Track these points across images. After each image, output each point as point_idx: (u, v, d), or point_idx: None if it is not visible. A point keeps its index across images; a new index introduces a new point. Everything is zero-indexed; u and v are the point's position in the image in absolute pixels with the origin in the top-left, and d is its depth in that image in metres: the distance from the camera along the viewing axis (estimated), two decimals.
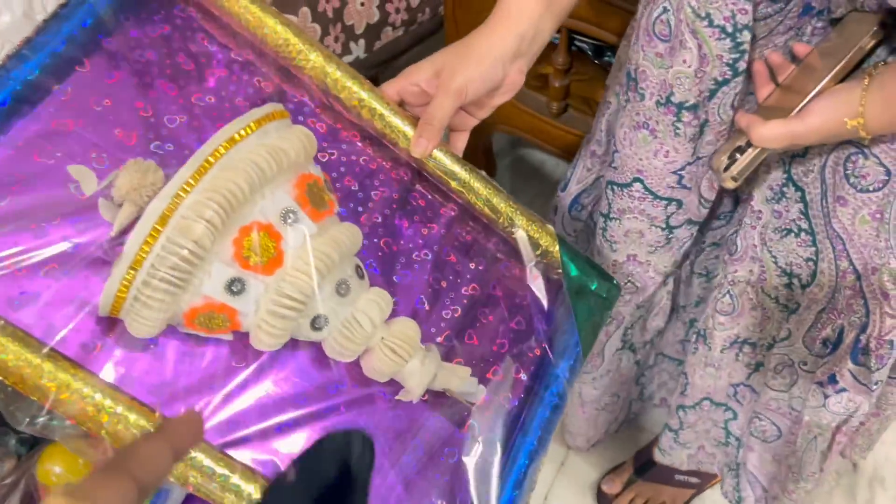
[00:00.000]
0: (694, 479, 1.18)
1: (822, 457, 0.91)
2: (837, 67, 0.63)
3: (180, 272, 0.48)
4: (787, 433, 0.93)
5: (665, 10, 0.69)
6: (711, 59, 0.68)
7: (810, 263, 0.77)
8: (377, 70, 1.38)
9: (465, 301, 0.65)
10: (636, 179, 0.82)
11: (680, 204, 0.83)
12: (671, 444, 1.04)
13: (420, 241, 0.66)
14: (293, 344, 0.56)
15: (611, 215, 0.87)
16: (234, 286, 0.50)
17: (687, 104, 0.73)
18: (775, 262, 0.79)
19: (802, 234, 0.76)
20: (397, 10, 1.31)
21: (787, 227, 0.77)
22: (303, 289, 0.51)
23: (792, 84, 0.68)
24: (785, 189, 0.77)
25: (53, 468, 0.89)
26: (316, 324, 0.54)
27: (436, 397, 0.62)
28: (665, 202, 0.82)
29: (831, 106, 0.63)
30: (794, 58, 0.71)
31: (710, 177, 0.79)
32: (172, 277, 0.48)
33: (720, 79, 0.70)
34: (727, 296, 0.84)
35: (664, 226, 0.85)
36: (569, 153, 1.36)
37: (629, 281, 0.93)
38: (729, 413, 0.99)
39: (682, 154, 0.77)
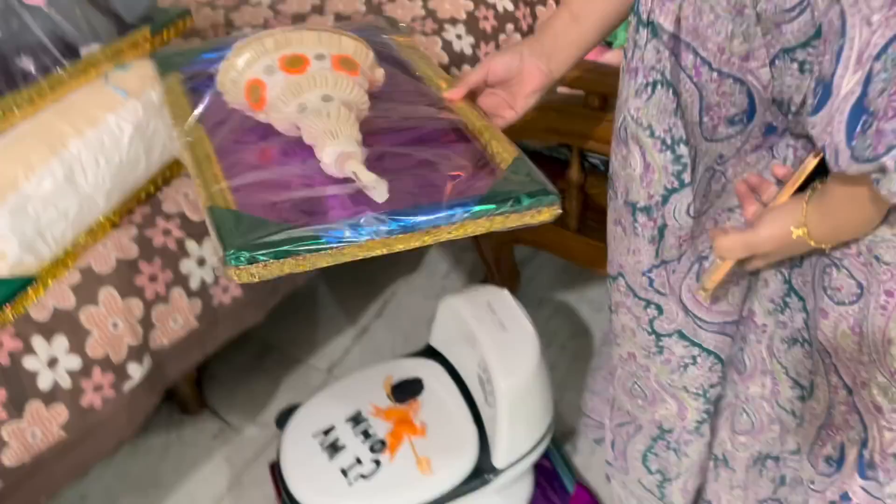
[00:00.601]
0: None
1: None
2: (787, 184, 0.69)
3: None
4: None
5: (625, 118, 0.76)
6: (657, 169, 0.74)
7: (811, 375, 0.77)
8: None
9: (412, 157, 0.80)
10: (620, 274, 0.88)
11: (660, 309, 0.85)
12: None
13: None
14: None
15: (611, 307, 0.93)
16: (268, 71, 0.82)
17: (639, 205, 0.78)
18: (786, 373, 0.80)
19: (806, 344, 0.77)
20: None
21: (794, 336, 0.78)
22: (301, 86, 0.80)
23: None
24: (788, 299, 0.78)
25: None
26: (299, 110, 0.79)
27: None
28: (644, 303, 0.86)
29: (779, 217, 0.68)
30: (778, 180, 0.73)
31: (689, 285, 0.82)
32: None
33: (669, 187, 0.75)
34: (744, 414, 0.84)
35: (649, 329, 0.87)
36: (590, 263, 1.38)
37: (635, 383, 0.95)
38: None
39: (645, 255, 0.82)
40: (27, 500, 0.99)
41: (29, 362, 0.95)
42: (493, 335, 1.10)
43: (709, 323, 0.84)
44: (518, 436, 1.11)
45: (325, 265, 0.71)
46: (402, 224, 0.72)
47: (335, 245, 0.69)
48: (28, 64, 0.98)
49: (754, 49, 0.66)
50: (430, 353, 1.27)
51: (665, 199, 0.76)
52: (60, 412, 0.98)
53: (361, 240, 0.70)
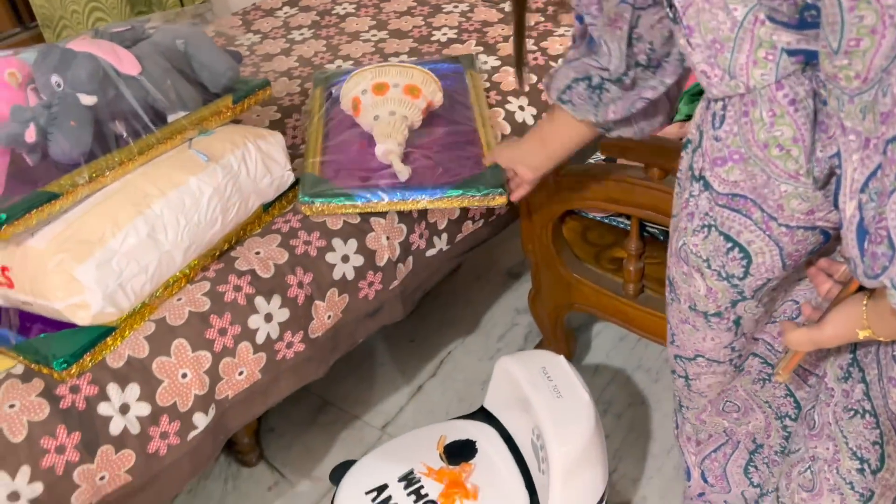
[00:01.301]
0: None
1: None
2: (847, 284, 0.72)
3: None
4: None
5: (685, 244, 0.82)
6: (719, 290, 0.80)
7: (877, 447, 0.76)
8: (460, 259, 1.46)
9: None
10: (698, 355, 0.93)
11: (740, 356, 0.92)
12: None
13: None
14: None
15: (689, 377, 0.98)
16: (363, 92, 1.33)
17: (710, 313, 0.84)
18: (846, 444, 0.79)
19: (867, 415, 0.77)
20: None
21: (854, 407, 0.78)
22: (378, 104, 1.30)
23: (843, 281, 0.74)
24: (851, 369, 0.80)
25: None
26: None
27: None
28: (727, 363, 0.93)
29: (841, 320, 0.71)
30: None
31: (770, 330, 0.89)
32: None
33: (734, 299, 0.81)
34: (808, 471, 0.83)
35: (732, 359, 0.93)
36: (647, 330, 1.38)
37: (727, 401, 1.00)
38: None
39: (724, 337, 0.87)
40: None
41: (103, 408, 1.00)
42: (548, 401, 1.11)
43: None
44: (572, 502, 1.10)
45: (354, 211, 1.22)
46: (401, 196, 1.21)
47: (360, 202, 1.21)
48: (121, 128, 1.07)
49: (818, 205, 0.70)
50: (485, 415, 1.28)
51: (734, 304, 0.82)
52: (128, 457, 1.02)
53: (374, 201, 1.20)
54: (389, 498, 1.14)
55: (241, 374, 1.13)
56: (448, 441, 1.23)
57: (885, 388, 0.74)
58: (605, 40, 0.85)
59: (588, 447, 1.08)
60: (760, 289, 0.79)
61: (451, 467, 1.18)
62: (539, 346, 1.68)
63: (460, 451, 1.21)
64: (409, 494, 1.14)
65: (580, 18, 0.89)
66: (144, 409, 1.03)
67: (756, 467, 1.06)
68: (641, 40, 0.85)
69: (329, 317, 1.23)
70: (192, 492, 1.52)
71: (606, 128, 0.97)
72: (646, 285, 1.37)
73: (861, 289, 0.70)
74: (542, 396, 1.11)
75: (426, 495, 1.14)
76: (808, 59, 0.65)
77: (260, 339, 1.14)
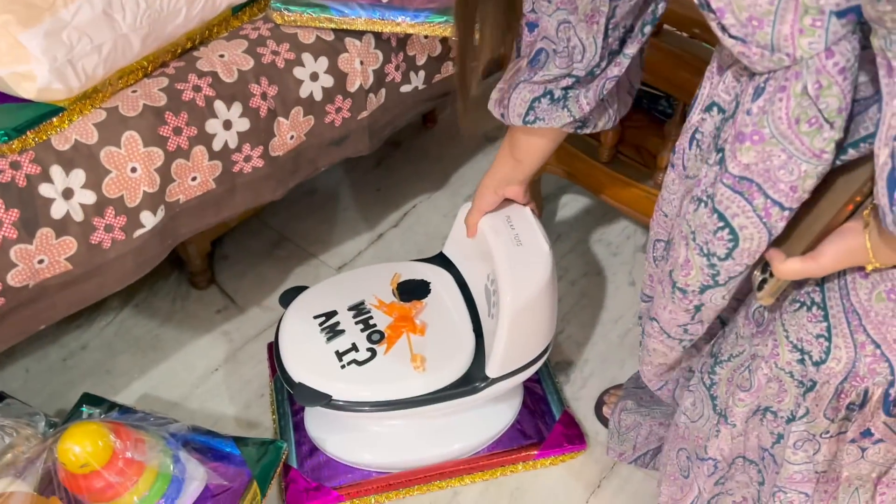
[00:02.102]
0: None
1: None
2: (843, 209, 0.68)
3: None
4: (816, 492, 0.89)
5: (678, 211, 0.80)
6: (695, 267, 0.76)
7: (821, 340, 0.76)
8: (434, 103, 1.41)
9: None
10: (654, 319, 0.91)
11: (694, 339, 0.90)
12: None
13: None
14: None
15: (644, 333, 0.98)
16: None
17: (678, 285, 0.80)
18: (787, 337, 0.79)
19: (815, 308, 0.76)
20: None
21: (801, 299, 0.77)
22: None
23: (809, 211, 0.70)
24: None
25: (73, 447, 0.91)
26: None
27: None
28: (678, 341, 0.90)
29: (842, 254, 0.68)
30: None
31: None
32: None
33: (704, 283, 0.77)
34: (746, 370, 0.84)
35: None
36: (616, 198, 1.36)
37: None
38: (759, 475, 0.96)
39: (681, 317, 0.85)
40: (27, 322, 1.02)
41: (44, 189, 0.96)
42: (508, 247, 1.09)
43: None
44: (515, 349, 1.11)
45: (328, 26, 1.15)
46: (380, 14, 1.14)
47: (335, 16, 1.14)
48: None
49: None
50: (442, 260, 1.27)
51: (702, 290, 0.78)
52: (69, 244, 0.99)
53: (351, 17, 1.14)
54: (337, 324, 1.14)
55: (194, 179, 1.09)
56: (402, 279, 1.22)
57: (849, 280, 0.73)
58: (581, 38, 0.81)
59: (540, 296, 1.08)
60: (735, 277, 0.75)
61: (402, 303, 1.18)
62: None
63: (413, 290, 1.21)
64: (356, 322, 1.14)
65: (532, 26, 0.84)
66: (89, 198, 0.99)
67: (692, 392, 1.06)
68: (617, 28, 0.81)
69: (292, 137, 1.18)
70: (139, 307, 1.51)
71: (583, 123, 0.93)
72: (620, 151, 1.34)
73: (849, 217, 0.68)
74: (502, 242, 1.10)
75: (374, 325, 1.14)
76: (860, 18, 0.59)
77: (217, 145, 1.09)
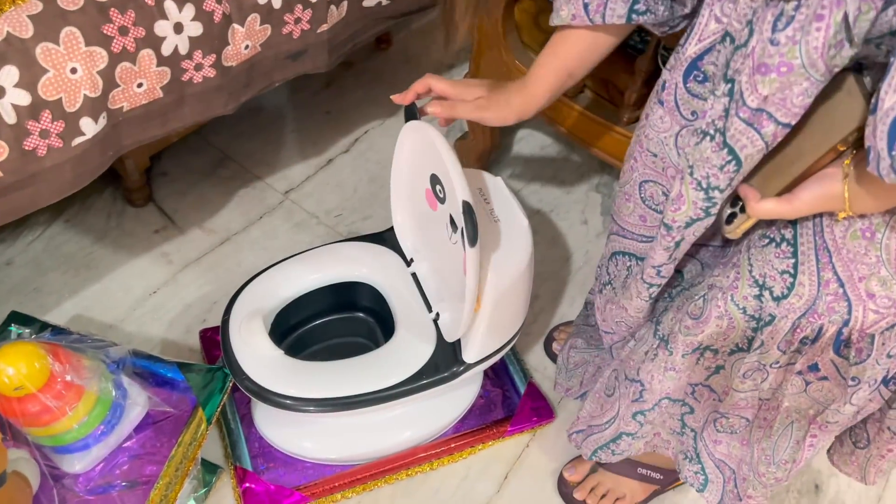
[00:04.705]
0: (656, 475, 1.16)
1: (797, 446, 0.91)
2: (825, 154, 0.67)
3: None
4: (756, 418, 0.93)
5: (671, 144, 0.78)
6: (688, 202, 0.74)
7: (786, 276, 0.76)
8: (397, 21, 1.34)
9: None
10: (625, 253, 0.92)
11: (659, 286, 0.89)
12: (629, 444, 1.03)
13: None
14: None
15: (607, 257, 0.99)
16: None
17: (665, 220, 0.78)
18: (750, 272, 0.79)
19: (784, 244, 0.76)
20: None
21: (772, 235, 0.77)
22: None
23: (785, 148, 0.69)
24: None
25: (6, 368, 0.85)
26: None
27: None
28: (647, 285, 0.89)
29: (818, 199, 0.68)
30: None
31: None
32: None
33: (694, 217, 0.75)
34: (701, 300, 0.83)
35: (647, 286, 0.89)
36: (575, 134, 1.34)
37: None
38: (686, 408, 0.98)
39: (658, 258, 0.83)
40: None
41: None
42: (484, 226, 0.97)
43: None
44: (494, 332, 1.02)
45: None
46: None
47: None
48: None
49: None
50: (386, 240, 1.14)
51: (688, 225, 0.76)
52: (1, 149, 0.90)
53: None
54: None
55: (140, 86, 1.01)
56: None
57: (824, 219, 0.73)
58: None
59: (522, 276, 0.99)
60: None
61: None
62: (461, 138, 1.61)
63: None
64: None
65: None
66: (23, 98, 0.90)
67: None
68: None
69: (246, 47, 1.10)
70: (70, 222, 1.41)
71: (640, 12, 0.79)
72: (586, 84, 1.31)
73: (829, 165, 0.67)
74: (479, 220, 0.95)
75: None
76: None
77: (166, 50, 1.01)
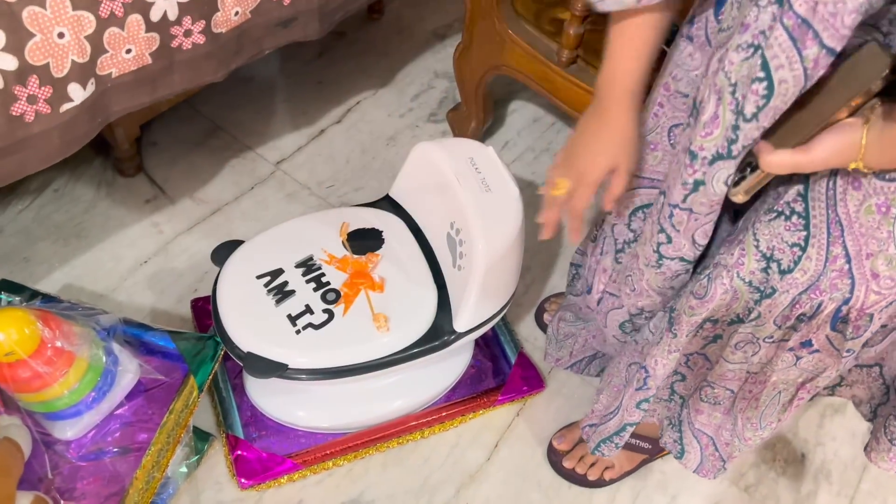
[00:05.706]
0: (645, 444, 1.18)
1: (783, 409, 0.92)
2: (843, 108, 0.65)
3: None
4: (741, 391, 0.93)
5: (716, 68, 0.70)
6: (721, 125, 0.70)
7: (795, 249, 0.76)
8: None
9: None
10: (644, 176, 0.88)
11: (669, 239, 0.85)
12: (629, 433, 1.05)
13: None
14: None
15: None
16: None
17: (690, 147, 0.74)
18: (756, 246, 0.78)
19: (794, 217, 0.75)
20: None
21: (780, 209, 0.76)
22: None
23: (804, 107, 0.67)
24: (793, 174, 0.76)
25: None
26: None
27: None
28: (658, 227, 0.85)
29: (835, 148, 0.65)
30: None
31: (706, 231, 0.82)
32: None
33: (720, 151, 0.71)
34: (706, 278, 0.83)
35: (655, 248, 0.87)
36: (569, 104, 1.33)
37: (629, 277, 0.94)
38: (678, 377, 0.99)
39: (676, 194, 0.79)
40: None
41: None
42: (476, 194, 0.98)
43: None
44: (485, 301, 1.03)
45: None
46: None
47: None
48: None
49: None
50: (390, 204, 1.15)
51: (712, 161, 0.73)
52: None
53: None
54: (285, 283, 1.02)
55: (128, 52, 1.00)
56: (352, 229, 1.10)
57: (839, 191, 0.71)
58: None
59: (513, 245, 1.00)
60: (748, 146, 0.70)
61: (355, 256, 1.07)
62: (453, 109, 1.60)
63: (365, 241, 1.09)
64: (308, 281, 1.03)
65: None
66: (10, 63, 0.89)
67: (633, 322, 1.04)
68: None
69: (236, 13, 1.09)
70: (59, 192, 1.41)
71: None
72: (580, 55, 1.30)
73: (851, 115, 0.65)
74: (470, 189, 0.99)
75: (327, 283, 1.03)
76: None
77: (155, 16, 0.99)
